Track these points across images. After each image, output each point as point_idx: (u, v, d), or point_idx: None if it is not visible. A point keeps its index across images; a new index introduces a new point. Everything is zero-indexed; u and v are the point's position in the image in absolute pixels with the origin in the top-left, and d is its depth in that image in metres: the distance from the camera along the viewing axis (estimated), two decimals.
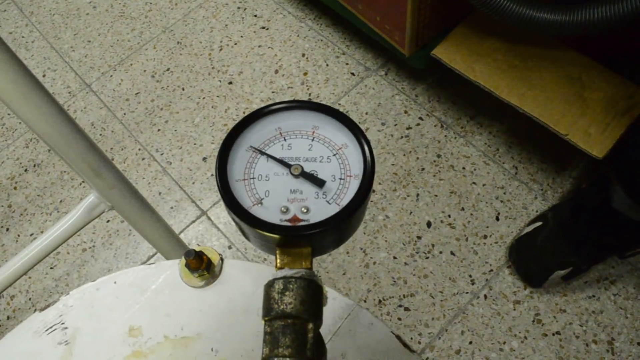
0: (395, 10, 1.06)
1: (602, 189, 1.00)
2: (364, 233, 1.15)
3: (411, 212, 1.16)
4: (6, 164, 1.33)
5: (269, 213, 0.33)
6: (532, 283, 1.06)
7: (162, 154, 1.28)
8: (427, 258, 1.11)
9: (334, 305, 0.44)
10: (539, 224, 1.06)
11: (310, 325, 0.30)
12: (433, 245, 1.12)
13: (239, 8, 1.50)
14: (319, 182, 0.34)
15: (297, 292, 0.31)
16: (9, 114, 1.43)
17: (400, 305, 1.08)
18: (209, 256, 0.46)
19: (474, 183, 1.17)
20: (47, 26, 1.57)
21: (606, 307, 1.05)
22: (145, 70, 1.43)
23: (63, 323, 0.46)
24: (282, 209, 0.33)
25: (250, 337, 0.43)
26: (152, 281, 0.47)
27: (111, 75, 1.43)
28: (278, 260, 0.33)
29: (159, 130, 1.32)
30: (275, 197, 0.34)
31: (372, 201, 1.18)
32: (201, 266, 0.45)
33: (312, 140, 0.36)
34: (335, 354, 0.42)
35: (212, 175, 1.25)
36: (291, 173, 0.34)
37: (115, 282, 0.47)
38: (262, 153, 0.35)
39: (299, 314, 0.30)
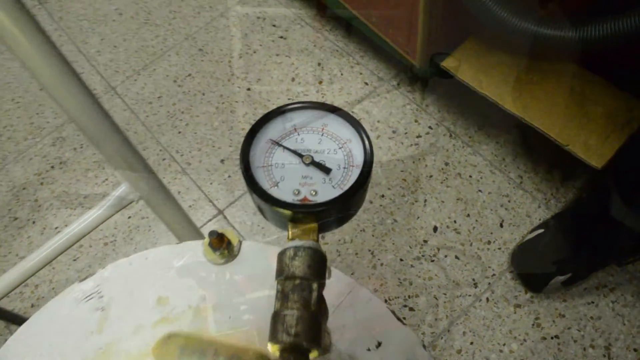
0: (407, 23, 1.13)
1: (602, 198, 1.05)
2: (373, 236, 1.22)
3: (418, 217, 1.22)
4: (34, 160, 1.42)
5: (284, 194, 0.40)
6: (533, 288, 1.11)
7: (182, 155, 1.36)
8: (432, 261, 1.17)
9: (338, 283, 0.51)
10: (540, 231, 1.12)
11: (315, 285, 0.37)
12: (438, 249, 1.18)
13: (258, 18, 1.58)
14: (326, 170, 0.41)
15: (305, 258, 0.37)
16: (37, 114, 1.52)
17: (405, 305, 1.14)
18: (229, 237, 0.53)
19: (480, 191, 1.23)
20: (75, 31, 1.67)
21: (604, 314, 1.10)
22: (167, 75, 1.51)
23: (100, 292, 0.54)
24: (295, 191, 0.40)
25: (264, 306, 0.50)
26: (179, 258, 0.54)
27: (135, 80, 1.52)
28: (290, 233, 0.40)
29: (179, 132, 1.40)
30: (289, 181, 0.41)
31: (381, 205, 1.25)
32: (222, 245, 0.52)
33: (322, 135, 0.43)
34: (338, 325, 0.49)
35: (229, 176, 1.33)
36: (303, 162, 0.41)
37: (146, 258, 0.54)
38: (279, 145, 0.42)
39: (306, 275, 0.37)
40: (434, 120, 1.33)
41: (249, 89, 1.45)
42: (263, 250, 0.53)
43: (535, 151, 1.26)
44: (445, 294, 1.14)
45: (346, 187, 0.40)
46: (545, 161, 1.25)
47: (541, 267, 1.09)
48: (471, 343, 1.09)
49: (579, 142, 1.00)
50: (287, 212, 0.39)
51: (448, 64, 1.12)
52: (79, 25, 1.68)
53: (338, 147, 0.42)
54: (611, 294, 1.11)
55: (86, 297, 0.54)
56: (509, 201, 1.22)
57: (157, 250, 0.55)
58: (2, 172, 1.42)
